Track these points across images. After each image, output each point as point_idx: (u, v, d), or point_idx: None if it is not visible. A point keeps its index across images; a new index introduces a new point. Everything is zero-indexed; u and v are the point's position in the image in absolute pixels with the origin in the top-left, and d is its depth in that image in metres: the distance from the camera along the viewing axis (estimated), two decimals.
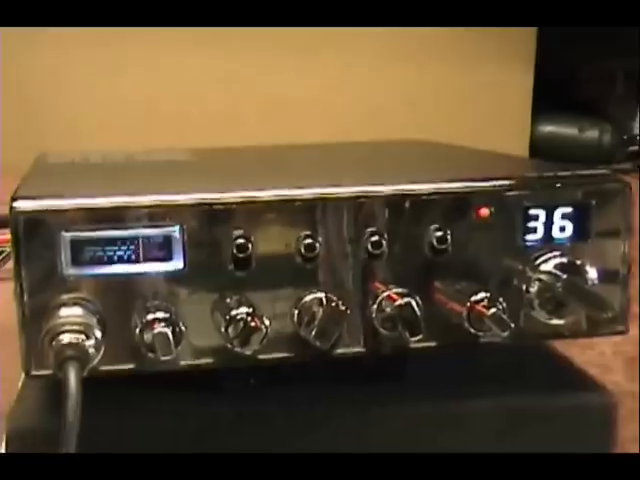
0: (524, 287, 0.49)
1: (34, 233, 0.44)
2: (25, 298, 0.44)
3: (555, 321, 0.50)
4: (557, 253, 0.49)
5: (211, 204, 0.46)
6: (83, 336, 0.42)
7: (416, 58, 1.69)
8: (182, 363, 0.46)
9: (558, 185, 0.50)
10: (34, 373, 0.45)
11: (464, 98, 1.69)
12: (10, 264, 0.83)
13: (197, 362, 0.46)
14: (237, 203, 0.46)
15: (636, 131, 1.72)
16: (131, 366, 0.46)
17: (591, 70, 1.74)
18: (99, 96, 1.67)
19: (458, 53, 1.68)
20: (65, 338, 0.41)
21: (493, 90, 1.67)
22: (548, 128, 1.72)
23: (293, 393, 0.51)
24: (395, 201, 0.48)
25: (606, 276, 0.50)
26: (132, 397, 0.49)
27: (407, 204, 0.48)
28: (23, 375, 0.47)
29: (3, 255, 0.88)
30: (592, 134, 1.71)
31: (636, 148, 1.69)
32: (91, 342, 0.42)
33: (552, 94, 1.63)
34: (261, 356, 0.46)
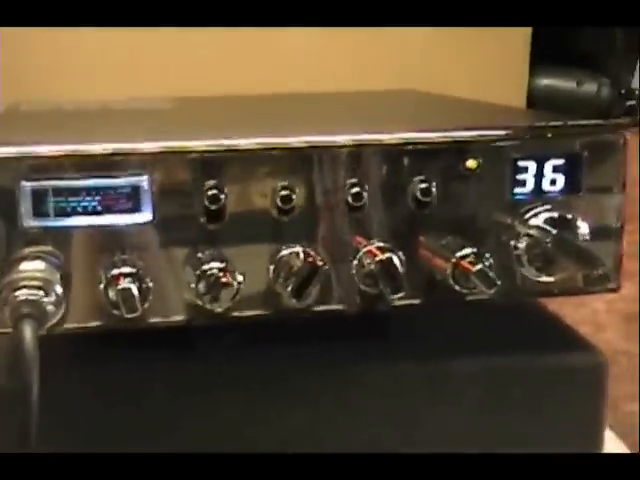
0: (512, 243, 0.47)
1: None
2: None
3: (545, 278, 0.48)
4: (547, 207, 0.47)
5: (182, 152, 0.43)
6: (41, 292, 0.39)
7: None
8: (150, 320, 0.44)
9: (549, 135, 0.47)
10: None
11: (461, 48, 1.65)
12: None
13: (166, 320, 0.44)
14: (209, 152, 0.43)
15: (634, 85, 1.69)
16: (97, 323, 0.43)
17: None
18: (83, 43, 1.64)
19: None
20: (22, 294, 0.39)
21: (491, 40, 1.63)
22: (545, 81, 1.69)
23: (270, 352, 0.48)
24: (377, 151, 0.45)
25: (598, 231, 0.47)
26: (102, 355, 0.47)
27: (389, 154, 0.45)
28: None
29: None
30: (590, 88, 1.68)
31: (634, 102, 1.66)
32: (50, 299, 0.39)
33: (550, 46, 1.59)
34: (235, 313, 0.44)
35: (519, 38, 1.63)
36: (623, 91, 1.68)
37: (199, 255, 0.43)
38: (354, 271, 0.45)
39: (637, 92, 1.64)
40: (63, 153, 0.42)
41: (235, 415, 0.47)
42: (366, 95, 0.74)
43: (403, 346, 0.50)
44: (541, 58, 1.61)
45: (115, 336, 0.44)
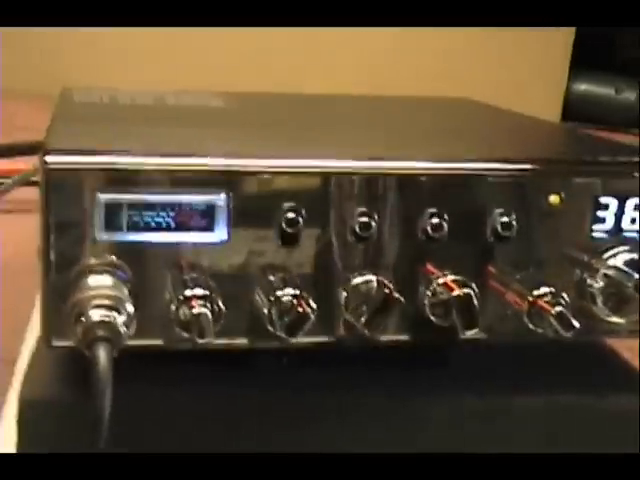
0: (588, 281, 0.46)
1: (67, 192, 0.40)
2: (52, 261, 0.40)
3: (615, 319, 0.46)
4: (626, 248, 0.46)
5: (262, 172, 0.41)
6: (115, 313, 0.37)
7: None
8: (216, 342, 0.42)
9: (636, 174, 0.46)
10: (56, 344, 0.41)
11: (502, 50, 1.63)
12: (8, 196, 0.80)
13: (233, 342, 0.43)
14: (291, 173, 0.42)
15: None
16: (159, 342, 0.42)
17: (631, 30, 1.68)
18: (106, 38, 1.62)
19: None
20: (95, 315, 0.37)
21: (533, 43, 1.61)
22: (584, 86, 1.66)
23: (328, 376, 0.47)
24: (459, 180, 0.44)
25: None
26: (158, 373, 0.45)
27: (472, 184, 0.44)
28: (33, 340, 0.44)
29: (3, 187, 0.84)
30: (629, 96, 1.65)
31: None
32: (122, 318, 0.38)
33: (591, 52, 1.57)
34: (302, 339, 0.42)
35: (560, 42, 1.61)
36: None
37: (271, 278, 0.42)
38: (425, 302, 0.44)
39: None
40: (141, 167, 0.40)
41: (290, 439, 0.46)
42: (422, 103, 0.72)
43: (464, 379, 0.48)
44: (581, 63, 1.59)
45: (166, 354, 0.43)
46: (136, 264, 0.41)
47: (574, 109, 1.58)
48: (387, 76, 1.59)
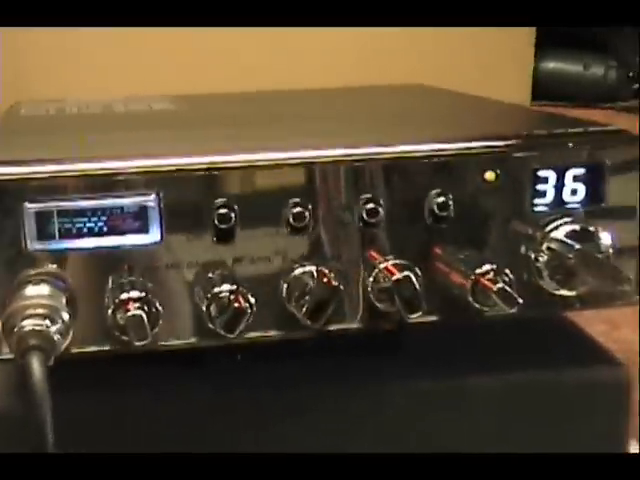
0: (533, 256, 0.46)
1: None
2: None
3: (565, 292, 0.46)
4: (568, 219, 0.45)
5: (190, 170, 0.41)
6: (48, 322, 0.37)
7: None
8: (160, 343, 0.42)
9: (570, 145, 0.46)
10: None
11: (468, 34, 1.62)
12: None
13: (177, 342, 0.43)
14: (218, 169, 0.42)
15: None
16: (104, 347, 0.42)
17: None
18: (82, 40, 1.61)
19: None
20: (28, 324, 0.37)
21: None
22: (552, 64, 1.66)
23: (282, 369, 0.47)
24: (392, 164, 0.44)
25: (621, 244, 0.46)
26: (108, 376, 0.45)
27: (405, 167, 0.44)
28: None
29: None
30: (597, 71, 1.65)
31: None
32: (57, 327, 0.38)
33: (557, 29, 1.56)
34: (247, 334, 0.42)
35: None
36: (631, 74, 1.65)
37: (209, 276, 0.42)
38: (369, 288, 0.44)
39: None
40: (67, 174, 0.40)
41: (247, 436, 0.46)
42: (372, 91, 0.72)
43: (418, 362, 0.48)
44: (547, 41, 1.58)
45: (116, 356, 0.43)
46: (72, 271, 0.41)
47: (543, 88, 1.57)
48: (350, 65, 1.59)
